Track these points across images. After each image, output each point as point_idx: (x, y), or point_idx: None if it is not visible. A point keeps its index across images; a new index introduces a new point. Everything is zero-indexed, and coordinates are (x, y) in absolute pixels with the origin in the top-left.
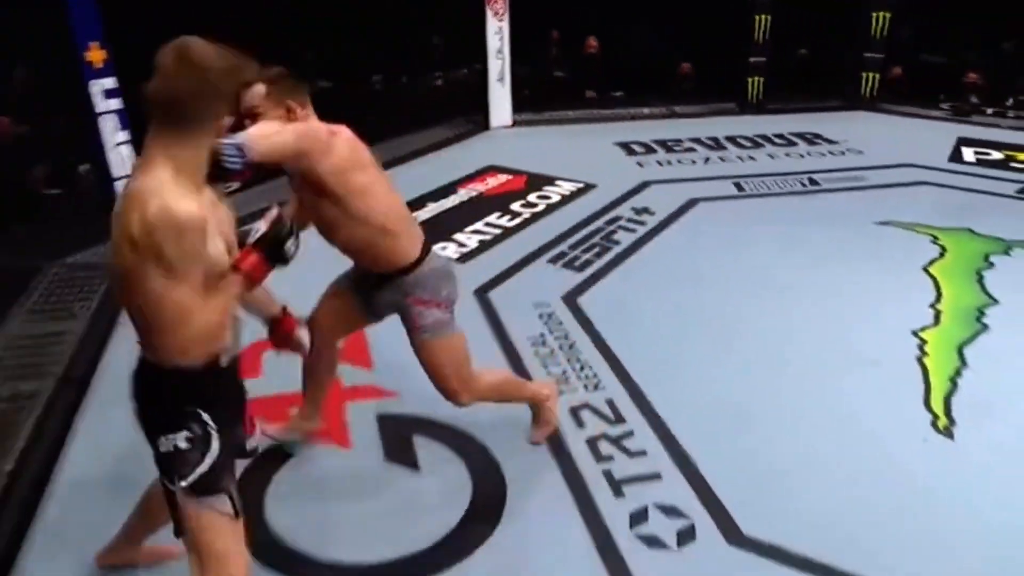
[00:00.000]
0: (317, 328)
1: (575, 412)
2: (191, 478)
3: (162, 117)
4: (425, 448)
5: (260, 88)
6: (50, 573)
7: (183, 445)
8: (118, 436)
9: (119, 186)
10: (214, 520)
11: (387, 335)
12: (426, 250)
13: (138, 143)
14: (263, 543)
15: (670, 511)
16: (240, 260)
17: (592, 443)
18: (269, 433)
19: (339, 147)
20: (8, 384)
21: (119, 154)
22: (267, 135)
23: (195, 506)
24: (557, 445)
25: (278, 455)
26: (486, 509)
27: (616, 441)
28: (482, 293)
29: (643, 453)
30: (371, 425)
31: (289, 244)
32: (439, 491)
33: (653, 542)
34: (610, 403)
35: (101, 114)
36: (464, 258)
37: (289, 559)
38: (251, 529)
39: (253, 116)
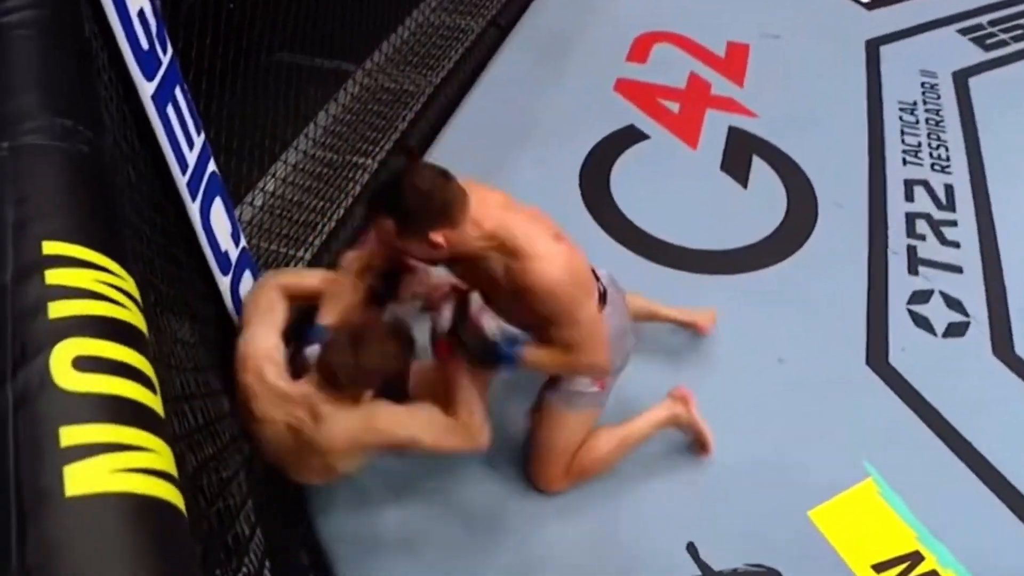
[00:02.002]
0: None
1: (909, 184)
2: None
3: None
4: (758, 170)
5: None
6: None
7: None
8: (519, 81)
9: None
10: None
11: (768, 62)
12: (600, 306)
13: None
14: (610, 215)
15: (953, 303)
16: None
17: (911, 218)
18: None
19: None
20: (450, 17)
21: None
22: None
23: None
24: (878, 207)
25: (623, 139)
26: (788, 240)
27: (936, 225)
28: (874, 45)
29: (956, 245)
30: (721, 135)
31: None
32: (757, 209)
33: (921, 321)
34: (948, 189)
35: None
36: (872, 5)
37: (629, 232)
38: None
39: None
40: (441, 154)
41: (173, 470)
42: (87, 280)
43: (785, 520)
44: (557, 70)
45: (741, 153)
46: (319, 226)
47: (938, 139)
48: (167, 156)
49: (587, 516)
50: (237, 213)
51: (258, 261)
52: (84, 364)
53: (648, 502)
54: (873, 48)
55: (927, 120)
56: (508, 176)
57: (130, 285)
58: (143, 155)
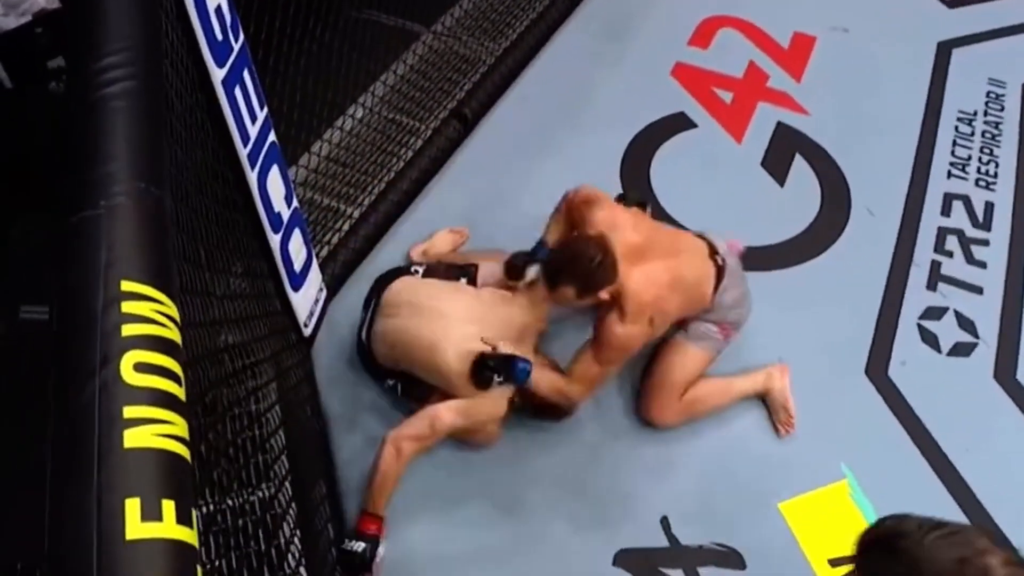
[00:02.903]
0: None
1: (948, 198)
2: None
3: None
4: (798, 169)
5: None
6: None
7: None
8: (579, 56)
9: None
10: None
11: (832, 56)
12: (717, 282)
13: None
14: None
15: (966, 323)
16: None
17: (942, 233)
18: None
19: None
20: None
21: None
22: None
23: None
24: (911, 219)
25: (671, 126)
26: (813, 243)
27: (966, 242)
28: (946, 48)
29: (982, 265)
30: (768, 130)
31: None
32: (789, 209)
33: (928, 337)
34: (988, 207)
35: None
36: (953, 3)
37: (660, 218)
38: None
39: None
40: (493, 126)
41: (186, 435)
42: (146, 309)
43: (756, 508)
44: (618, 49)
45: (784, 151)
46: (369, 186)
47: (990, 154)
48: (232, 132)
49: (573, 478)
50: (293, 173)
51: (312, 213)
52: (140, 367)
53: (634, 474)
54: (945, 51)
55: (983, 133)
56: (552, 154)
57: (172, 310)
58: (211, 132)
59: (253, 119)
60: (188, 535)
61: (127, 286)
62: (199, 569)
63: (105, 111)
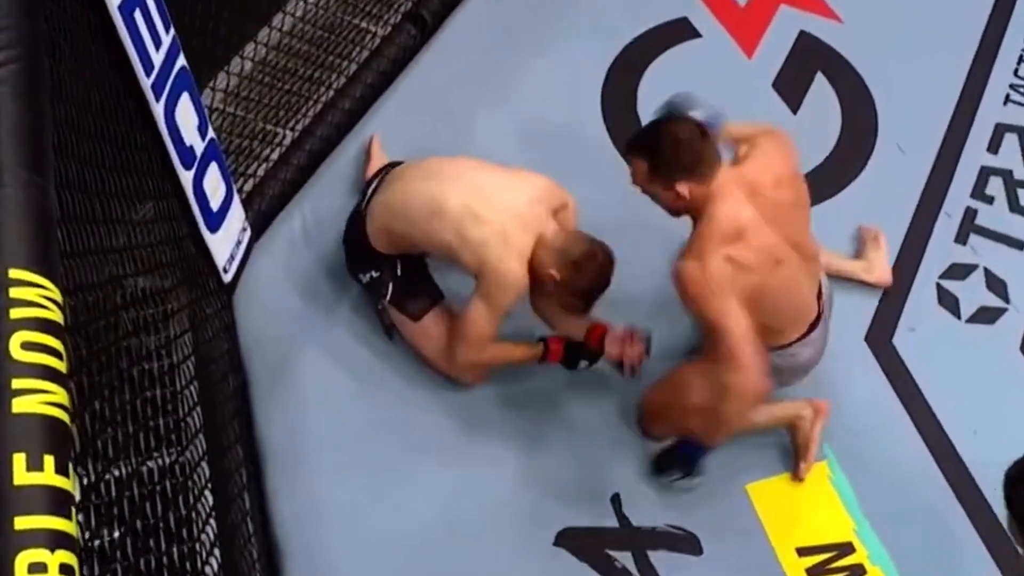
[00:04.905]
0: None
1: (1000, 130)
2: None
3: None
4: (817, 91)
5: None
6: None
7: None
8: None
9: None
10: None
11: None
12: (810, 328)
13: None
14: (627, 128)
15: (996, 284)
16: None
17: (985, 173)
18: None
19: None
20: None
21: None
22: None
23: None
24: (949, 156)
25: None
26: (824, 183)
27: (1013, 185)
28: None
29: None
30: (787, 42)
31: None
32: (800, 141)
33: (947, 299)
34: None
35: None
36: None
37: None
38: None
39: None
40: (455, 30)
41: (66, 403)
42: (31, 294)
43: (721, 489)
44: None
45: (803, 68)
46: (303, 107)
47: None
48: (132, 61)
49: (523, 448)
50: (209, 97)
51: (233, 140)
52: (27, 346)
53: (587, 446)
54: None
55: None
56: (523, 68)
57: (56, 294)
58: (107, 64)
59: (157, 44)
60: (65, 483)
61: (15, 273)
62: (74, 511)
63: None
